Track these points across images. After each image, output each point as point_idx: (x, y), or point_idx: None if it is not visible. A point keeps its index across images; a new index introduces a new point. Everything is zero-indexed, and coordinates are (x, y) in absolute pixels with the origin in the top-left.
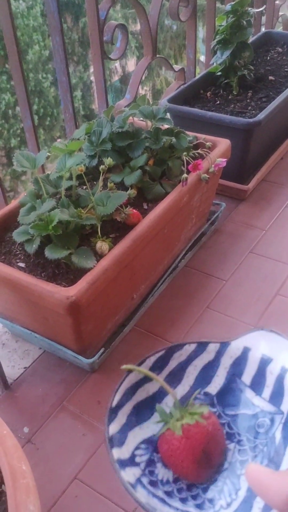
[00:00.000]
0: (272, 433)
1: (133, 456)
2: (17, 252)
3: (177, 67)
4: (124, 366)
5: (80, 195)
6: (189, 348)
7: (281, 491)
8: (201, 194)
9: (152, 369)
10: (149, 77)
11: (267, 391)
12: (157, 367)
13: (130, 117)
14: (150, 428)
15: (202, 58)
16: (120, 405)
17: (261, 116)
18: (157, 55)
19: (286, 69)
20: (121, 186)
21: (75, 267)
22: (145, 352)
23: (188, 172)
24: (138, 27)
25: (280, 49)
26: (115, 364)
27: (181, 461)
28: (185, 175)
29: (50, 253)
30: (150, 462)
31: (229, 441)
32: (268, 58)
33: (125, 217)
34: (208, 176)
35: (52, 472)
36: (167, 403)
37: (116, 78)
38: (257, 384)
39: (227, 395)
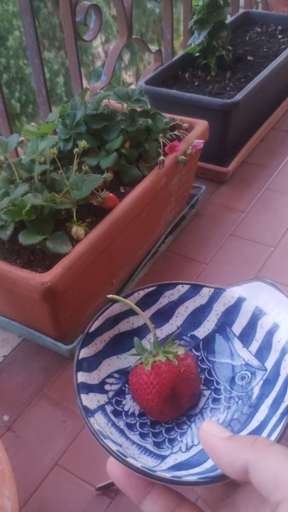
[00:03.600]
0: (251, 388)
1: (102, 382)
2: None
3: (154, 48)
4: (110, 296)
5: (54, 179)
6: (182, 289)
7: (233, 462)
8: (180, 177)
9: (139, 303)
10: (132, 62)
11: (254, 345)
12: (146, 302)
13: (105, 100)
14: (128, 359)
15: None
16: (98, 332)
17: (239, 96)
18: (133, 36)
19: (265, 49)
20: (97, 169)
21: (50, 253)
22: None
23: (165, 154)
24: None
25: (259, 29)
26: None
27: (147, 396)
28: (161, 157)
29: (24, 239)
30: (120, 392)
31: (206, 388)
32: (247, 38)
33: (101, 201)
34: (185, 158)
35: (32, 459)
36: (151, 340)
37: (99, 63)
38: (246, 336)
39: (214, 342)
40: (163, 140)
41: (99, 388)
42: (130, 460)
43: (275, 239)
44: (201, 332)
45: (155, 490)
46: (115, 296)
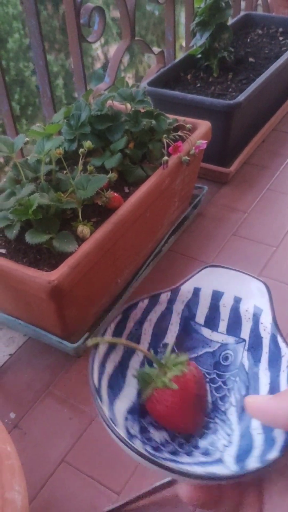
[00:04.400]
0: (239, 362)
1: (127, 429)
2: None
3: (156, 49)
4: (90, 341)
5: (60, 179)
6: (143, 305)
7: (287, 413)
8: (183, 177)
9: (114, 336)
10: (132, 64)
11: (223, 325)
12: (118, 332)
13: (110, 101)
14: (127, 397)
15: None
16: (100, 385)
17: (241, 97)
18: (136, 38)
19: (266, 51)
20: (102, 170)
21: (56, 252)
22: None
23: (169, 154)
24: (119, 13)
25: (260, 31)
26: None
27: (180, 415)
28: (165, 157)
29: (31, 238)
30: (143, 430)
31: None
32: (248, 40)
33: (106, 200)
34: (189, 159)
35: (39, 456)
36: (134, 367)
37: (98, 65)
38: (212, 320)
39: (185, 340)
40: (167, 141)
41: (129, 435)
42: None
43: (277, 239)
44: (170, 337)
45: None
46: (96, 339)
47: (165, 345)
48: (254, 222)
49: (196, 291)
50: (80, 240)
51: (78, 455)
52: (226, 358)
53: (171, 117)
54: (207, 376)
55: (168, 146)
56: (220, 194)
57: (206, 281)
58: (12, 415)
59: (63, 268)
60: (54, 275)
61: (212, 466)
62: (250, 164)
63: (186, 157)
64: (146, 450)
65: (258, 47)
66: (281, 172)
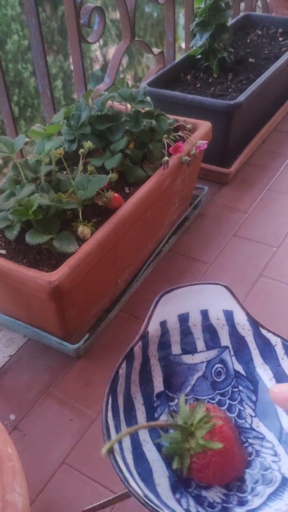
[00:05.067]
0: (232, 371)
1: (186, 509)
2: None
3: (156, 50)
4: (104, 450)
5: (60, 179)
6: (122, 371)
7: None
8: (183, 177)
9: (112, 411)
10: (130, 65)
11: (200, 343)
12: (115, 410)
13: (110, 101)
14: (160, 477)
15: (183, 45)
16: (134, 480)
17: (241, 98)
18: (136, 38)
19: (266, 52)
20: (102, 170)
21: (57, 252)
22: (130, 337)
23: (169, 155)
24: (118, 15)
25: (259, 32)
26: (101, 349)
27: (232, 465)
28: (166, 157)
29: (31, 239)
30: (197, 498)
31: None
32: (248, 40)
33: (106, 201)
34: (189, 159)
35: (39, 457)
36: (144, 439)
37: (97, 67)
38: (188, 345)
39: (173, 378)
40: (167, 141)
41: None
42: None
43: (277, 239)
44: (157, 383)
45: None
46: (109, 444)
47: (159, 395)
48: (254, 222)
49: (163, 325)
50: (81, 240)
51: (79, 456)
52: (218, 373)
53: (171, 117)
54: (211, 401)
55: (169, 146)
56: (220, 194)
57: (167, 310)
58: (12, 417)
59: (63, 269)
60: (54, 276)
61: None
62: (251, 164)
63: (187, 157)
64: None
65: (258, 47)
66: (281, 172)
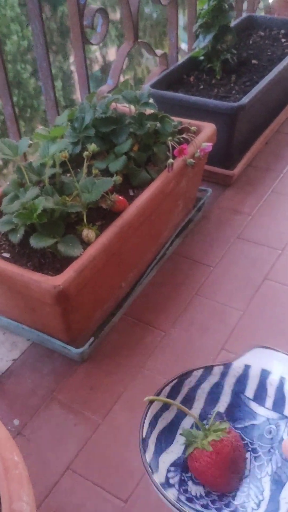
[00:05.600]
0: (280, 437)
1: (167, 478)
2: (1, 243)
3: (159, 51)
4: (146, 398)
5: (64, 182)
6: (197, 374)
7: None
8: (188, 180)
9: (168, 397)
10: (130, 67)
11: (269, 401)
12: (171, 395)
13: (113, 103)
14: (174, 451)
15: (184, 46)
16: (148, 436)
17: (245, 100)
18: (139, 40)
19: (269, 53)
20: (106, 173)
21: (61, 256)
22: (134, 341)
23: (174, 157)
24: (118, 16)
25: (262, 33)
26: (106, 353)
27: (213, 474)
28: (170, 160)
29: (36, 242)
30: (182, 482)
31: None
32: (251, 42)
33: (111, 204)
34: (194, 161)
35: (44, 463)
36: (184, 427)
37: (96, 67)
38: (260, 396)
39: (235, 411)
40: (172, 143)
41: (167, 484)
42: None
43: (282, 242)
44: (221, 406)
45: None
46: (152, 397)
47: (217, 412)
48: (258, 224)
49: (246, 368)
50: (85, 244)
51: (84, 462)
52: (269, 431)
53: (175, 119)
54: (250, 445)
55: (173, 148)
56: (224, 196)
57: (255, 360)
58: (16, 422)
59: (68, 273)
60: (59, 280)
61: None
62: (254, 166)
63: (191, 160)
64: (179, 499)
65: (260, 49)
66: (285, 174)
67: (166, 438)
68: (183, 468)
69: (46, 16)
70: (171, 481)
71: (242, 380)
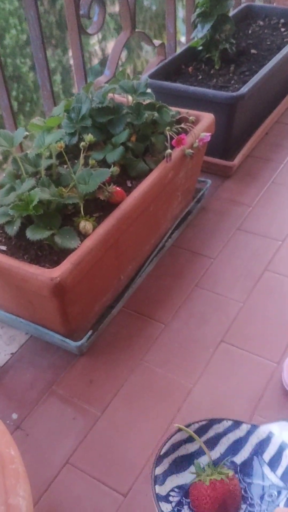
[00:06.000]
0: (277, 503)
1: (168, 495)
2: None
3: (157, 41)
4: (176, 425)
5: (61, 174)
6: (226, 424)
7: None
8: (186, 170)
9: (195, 433)
10: (129, 60)
11: (280, 470)
12: (198, 432)
13: (111, 93)
14: (184, 477)
15: (183, 39)
16: (167, 454)
17: (244, 89)
18: (136, 30)
19: (268, 43)
20: (103, 164)
21: (58, 248)
22: (133, 333)
23: (172, 147)
24: (116, 8)
25: (261, 22)
26: (105, 346)
27: (204, 505)
28: (169, 150)
29: (32, 234)
30: (179, 503)
31: (243, 503)
32: (250, 31)
33: (108, 195)
34: (192, 151)
35: (43, 457)
36: (200, 462)
37: (96, 61)
38: (274, 462)
39: (249, 467)
40: (170, 134)
41: (166, 498)
42: None
43: (282, 233)
44: (239, 458)
45: None
46: (182, 427)
47: (233, 462)
48: (258, 215)
49: (270, 435)
50: (83, 236)
51: (83, 456)
52: (270, 495)
53: (173, 109)
54: (249, 500)
55: (171, 139)
56: (223, 187)
57: (279, 430)
58: (15, 416)
59: (65, 265)
60: (56, 272)
61: None
62: (254, 157)
63: (190, 150)
64: None
65: (260, 38)
66: (285, 164)
67: (181, 464)
68: (186, 493)
69: (45, 10)
70: (171, 498)
71: (263, 443)
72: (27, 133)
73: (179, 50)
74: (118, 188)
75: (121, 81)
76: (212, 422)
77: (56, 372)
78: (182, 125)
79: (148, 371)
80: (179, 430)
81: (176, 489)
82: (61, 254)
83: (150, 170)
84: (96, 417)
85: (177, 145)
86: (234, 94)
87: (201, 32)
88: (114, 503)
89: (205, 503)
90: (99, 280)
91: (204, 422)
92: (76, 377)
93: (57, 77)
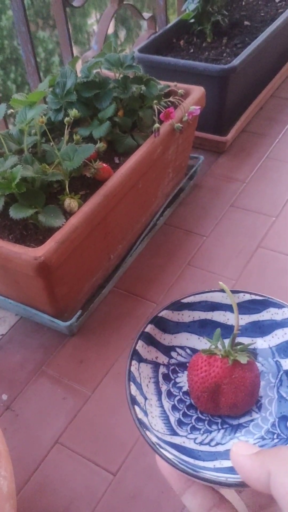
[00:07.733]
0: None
1: (172, 348)
2: None
3: (146, 14)
4: (221, 283)
5: (45, 151)
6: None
7: (260, 478)
8: (176, 146)
9: (241, 305)
10: (128, 39)
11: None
12: (248, 307)
13: (98, 68)
14: (206, 344)
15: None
16: (190, 306)
17: (236, 61)
18: (124, 2)
19: (262, 14)
20: (90, 140)
21: (43, 227)
22: (125, 313)
23: (160, 121)
24: None
25: None
26: (95, 326)
27: (193, 376)
28: (156, 125)
29: (15, 213)
30: (182, 365)
31: (257, 411)
32: (243, 3)
33: (94, 172)
34: (181, 126)
35: (32, 437)
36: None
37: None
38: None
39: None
40: (158, 107)
41: (165, 349)
42: (166, 453)
43: (276, 209)
44: None
45: (196, 486)
46: (224, 286)
47: (278, 363)
48: (252, 192)
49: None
50: (68, 214)
51: (73, 435)
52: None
53: (162, 83)
54: (267, 414)
55: (160, 112)
56: (217, 164)
57: None
58: (4, 397)
59: (50, 244)
60: (40, 251)
61: (164, 425)
62: (248, 132)
63: (179, 124)
64: (156, 364)
65: (253, 10)
66: (280, 140)
67: (210, 330)
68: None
69: None
70: (174, 354)
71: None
72: (11, 110)
73: (170, 22)
74: (104, 165)
75: (107, 54)
76: (268, 303)
77: (46, 353)
78: (171, 99)
79: None
80: (220, 289)
81: (188, 350)
82: (46, 233)
83: (138, 146)
84: (86, 396)
85: (165, 119)
86: (226, 66)
87: (193, 3)
88: (104, 482)
89: (195, 374)
90: (87, 259)
91: (258, 297)
92: (67, 358)
93: (56, 59)
